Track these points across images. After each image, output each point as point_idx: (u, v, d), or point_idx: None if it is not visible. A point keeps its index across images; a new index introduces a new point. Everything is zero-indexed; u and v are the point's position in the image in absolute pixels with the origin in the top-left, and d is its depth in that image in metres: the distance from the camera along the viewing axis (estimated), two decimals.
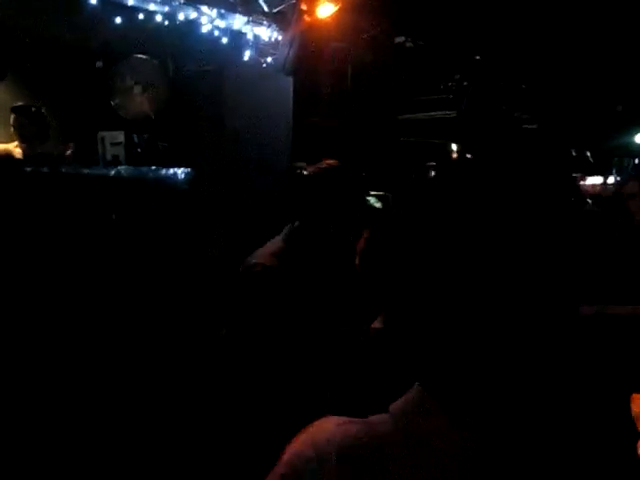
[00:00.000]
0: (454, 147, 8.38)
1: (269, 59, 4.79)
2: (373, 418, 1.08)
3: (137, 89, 5.91)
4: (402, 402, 1.08)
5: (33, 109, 5.25)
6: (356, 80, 5.61)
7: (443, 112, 7.20)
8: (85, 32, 4.95)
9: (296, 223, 2.59)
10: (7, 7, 3.99)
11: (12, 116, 5.23)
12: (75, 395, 3.61)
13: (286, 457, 1.08)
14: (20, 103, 5.27)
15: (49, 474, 3.06)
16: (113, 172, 4.69)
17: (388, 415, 1.07)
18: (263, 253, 2.55)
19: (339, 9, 4.50)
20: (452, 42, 6.03)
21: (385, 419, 1.06)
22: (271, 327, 2.39)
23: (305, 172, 4.42)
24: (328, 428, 1.08)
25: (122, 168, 4.62)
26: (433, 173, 8.26)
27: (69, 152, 5.09)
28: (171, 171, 5.00)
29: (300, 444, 1.08)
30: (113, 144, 4.68)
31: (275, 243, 2.59)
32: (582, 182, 7.51)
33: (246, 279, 2.49)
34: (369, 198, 6.28)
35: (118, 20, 4.43)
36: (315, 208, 2.58)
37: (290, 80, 5.04)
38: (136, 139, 4.80)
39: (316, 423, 1.12)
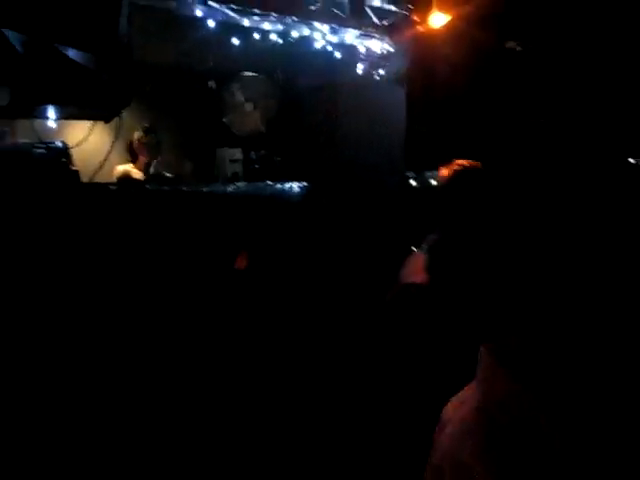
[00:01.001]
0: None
1: (381, 71, 4.80)
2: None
3: (248, 106, 6.06)
4: (480, 369, 1.21)
5: (156, 129, 5.50)
6: (467, 87, 5.55)
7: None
8: (200, 54, 5.12)
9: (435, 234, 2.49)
10: (134, 38, 4.16)
11: (141, 136, 5.46)
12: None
13: None
14: (145, 125, 5.50)
15: (49, 474, 3.06)
16: (232, 189, 4.80)
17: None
18: (412, 271, 2.46)
19: (452, 19, 4.48)
20: (562, 44, 5.89)
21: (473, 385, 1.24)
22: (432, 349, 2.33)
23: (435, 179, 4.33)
24: None
25: (241, 184, 4.72)
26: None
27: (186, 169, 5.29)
28: (287, 185, 5.07)
29: None
30: (232, 161, 4.80)
31: (419, 258, 2.51)
32: None
33: (403, 301, 2.40)
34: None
35: (235, 41, 4.53)
36: (458, 216, 2.41)
37: (403, 91, 5.04)
38: (253, 155, 4.91)
39: None
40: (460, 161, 2.48)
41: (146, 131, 5.49)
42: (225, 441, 3.41)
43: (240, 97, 6.08)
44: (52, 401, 3.03)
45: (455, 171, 2.44)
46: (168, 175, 5.63)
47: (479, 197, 2.36)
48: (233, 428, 3.50)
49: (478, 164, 2.45)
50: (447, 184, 2.45)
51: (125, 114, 5.84)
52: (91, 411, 3.11)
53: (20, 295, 3.11)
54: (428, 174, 5.43)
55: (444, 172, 2.50)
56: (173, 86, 5.76)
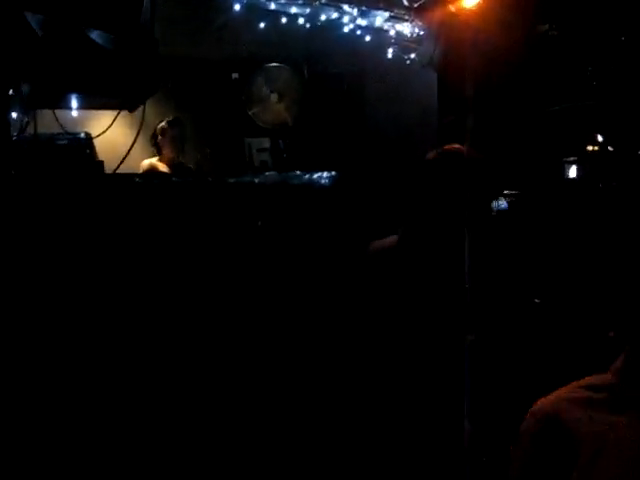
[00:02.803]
0: (599, 139, 7.96)
1: (412, 55, 4.64)
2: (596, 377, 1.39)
3: (273, 97, 5.92)
4: (620, 362, 1.35)
5: (182, 121, 5.38)
6: (500, 72, 5.38)
7: (587, 102, 6.81)
8: (225, 42, 5.00)
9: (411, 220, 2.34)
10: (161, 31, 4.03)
11: (167, 129, 5.33)
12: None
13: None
14: (170, 117, 5.38)
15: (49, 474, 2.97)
16: (259, 179, 4.67)
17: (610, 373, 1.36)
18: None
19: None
20: (597, 25, 5.70)
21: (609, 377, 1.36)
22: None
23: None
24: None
25: (270, 174, 4.59)
26: (573, 169, 7.86)
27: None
28: (316, 175, 4.93)
29: None
30: (259, 150, 4.67)
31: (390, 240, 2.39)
32: None
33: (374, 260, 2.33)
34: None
35: (261, 26, 4.40)
36: (430, 202, 2.29)
37: (435, 76, 4.87)
38: (281, 144, 4.78)
39: None
40: (448, 146, 2.38)
41: (171, 124, 5.37)
42: (225, 441, 3.31)
43: (265, 89, 5.96)
44: (56, 398, 2.94)
45: (437, 154, 2.33)
46: (192, 167, 5.53)
47: (453, 180, 2.25)
48: (233, 428, 3.41)
49: (464, 149, 2.34)
50: (426, 167, 2.35)
51: (148, 106, 5.75)
52: (92, 409, 3.02)
53: (42, 285, 3.00)
54: None
55: (429, 155, 2.40)
56: (196, 77, 5.65)
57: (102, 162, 4.30)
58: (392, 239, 2.38)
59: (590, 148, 8.27)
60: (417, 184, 2.40)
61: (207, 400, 3.38)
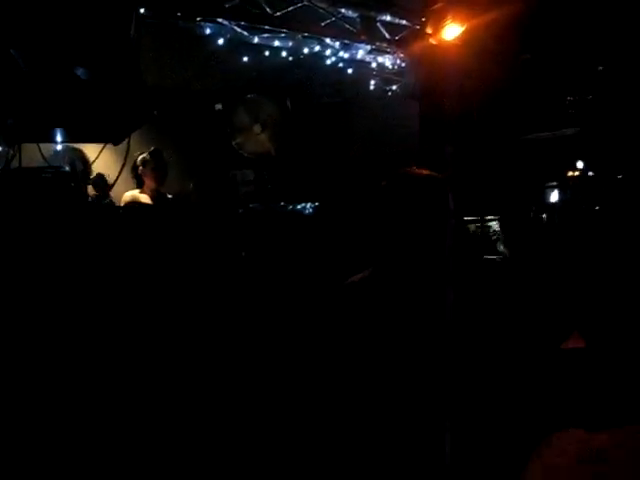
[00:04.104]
0: (579, 165, 8.07)
1: (394, 87, 4.71)
2: None
3: (256, 128, 5.95)
4: None
5: (163, 153, 5.34)
6: (482, 101, 5.46)
7: (567, 129, 6.92)
8: (209, 74, 5.03)
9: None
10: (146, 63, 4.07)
11: (148, 160, 5.29)
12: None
13: None
14: (152, 148, 5.35)
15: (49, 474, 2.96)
16: (244, 210, 4.70)
17: None
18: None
19: (464, 31, 4.39)
20: (576, 54, 5.81)
21: None
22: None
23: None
24: None
25: (254, 205, 4.61)
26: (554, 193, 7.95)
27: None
28: (299, 206, 4.97)
29: None
30: (244, 182, 4.69)
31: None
32: None
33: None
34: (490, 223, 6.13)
35: (245, 58, 4.44)
36: (388, 226, 2.28)
37: (416, 105, 4.94)
38: (266, 176, 4.80)
39: None
40: (400, 169, 2.39)
41: (152, 155, 5.31)
42: (225, 441, 3.30)
43: (248, 119, 5.99)
44: (57, 401, 2.94)
45: (388, 180, 2.35)
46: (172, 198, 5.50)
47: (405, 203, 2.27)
48: (232, 428, 3.40)
49: (414, 171, 2.37)
50: (380, 193, 2.37)
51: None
52: (92, 411, 3.01)
53: (34, 312, 3.01)
54: None
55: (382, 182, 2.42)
56: (180, 108, 5.66)
57: (86, 195, 4.31)
58: (366, 272, 2.40)
59: (570, 174, 8.38)
60: (375, 210, 2.42)
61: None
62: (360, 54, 4.61)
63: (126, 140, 4.01)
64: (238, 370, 3.92)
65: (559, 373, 1.77)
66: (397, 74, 4.61)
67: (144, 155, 5.27)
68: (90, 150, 4.22)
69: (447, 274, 2.07)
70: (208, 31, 4.18)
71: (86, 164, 4.51)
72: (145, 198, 5.36)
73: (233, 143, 5.97)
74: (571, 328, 1.81)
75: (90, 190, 4.58)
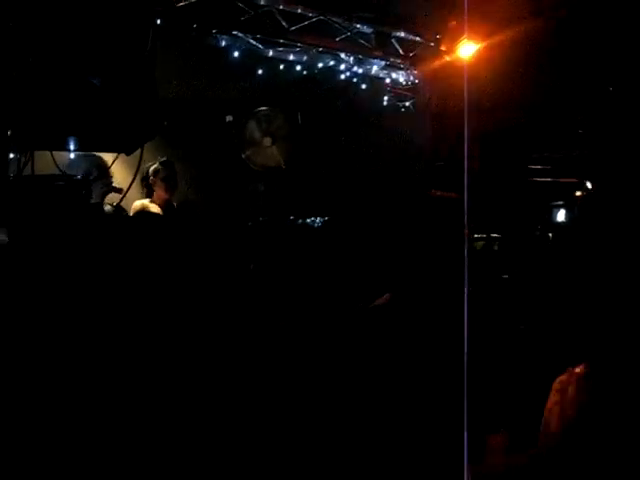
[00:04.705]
0: (588, 185, 8.07)
1: (407, 103, 4.71)
2: None
3: (266, 141, 5.95)
4: None
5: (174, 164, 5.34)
6: (491, 118, 5.46)
7: (574, 150, 6.94)
8: (220, 88, 5.04)
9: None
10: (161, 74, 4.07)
11: (159, 170, 5.29)
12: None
13: None
14: (163, 158, 5.35)
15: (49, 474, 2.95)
16: (253, 223, 4.69)
17: None
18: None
19: (480, 49, 4.40)
20: (588, 74, 5.83)
21: None
22: None
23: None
24: None
25: (263, 219, 4.61)
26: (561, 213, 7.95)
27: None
28: (309, 220, 4.96)
29: None
30: (254, 194, 4.69)
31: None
32: None
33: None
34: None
35: (259, 72, 4.45)
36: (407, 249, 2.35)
37: (428, 122, 4.95)
38: (275, 189, 4.81)
39: None
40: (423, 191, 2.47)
41: (164, 164, 5.33)
42: (225, 440, 3.29)
43: (258, 132, 5.99)
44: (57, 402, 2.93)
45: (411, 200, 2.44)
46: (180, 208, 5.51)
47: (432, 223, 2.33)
48: (232, 428, 3.39)
49: (438, 194, 2.45)
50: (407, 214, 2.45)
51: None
52: (92, 412, 3.00)
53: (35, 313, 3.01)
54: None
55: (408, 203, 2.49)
56: (191, 119, 5.66)
57: (99, 204, 4.30)
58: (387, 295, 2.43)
59: (578, 193, 8.38)
60: (395, 231, 2.47)
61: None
62: (374, 70, 4.62)
63: (139, 150, 4.02)
64: (245, 381, 3.90)
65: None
66: (410, 90, 4.60)
67: (155, 165, 5.28)
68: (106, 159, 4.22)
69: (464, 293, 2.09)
70: (223, 43, 4.18)
71: (105, 172, 4.51)
72: (155, 207, 5.36)
73: (243, 156, 5.97)
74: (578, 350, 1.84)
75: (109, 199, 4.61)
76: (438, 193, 2.42)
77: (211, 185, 5.67)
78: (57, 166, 3.90)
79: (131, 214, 5.12)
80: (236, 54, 4.23)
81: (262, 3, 4.29)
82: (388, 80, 4.60)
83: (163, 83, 4.68)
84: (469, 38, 4.34)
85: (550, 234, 7.93)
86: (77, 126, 3.59)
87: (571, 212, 8.14)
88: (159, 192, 5.36)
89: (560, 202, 8.17)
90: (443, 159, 5.51)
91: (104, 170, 4.43)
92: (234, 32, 4.11)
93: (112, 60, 3.52)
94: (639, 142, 6.65)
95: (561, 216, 8.20)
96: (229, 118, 5.94)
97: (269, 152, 5.94)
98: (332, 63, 4.46)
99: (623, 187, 7.55)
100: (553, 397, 1.74)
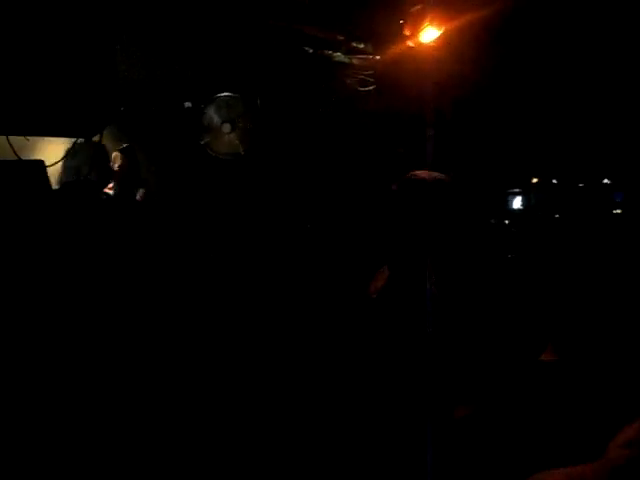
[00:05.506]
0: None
1: (370, 88, 4.69)
2: None
3: (225, 127, 5.87)
4: None
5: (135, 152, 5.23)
6: (456, 107, 5.49)
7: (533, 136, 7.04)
8: (176, 72, 4.95)
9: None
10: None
11: (118, 156, 5.16)
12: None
13: None
14: (124, 145, 5.22)
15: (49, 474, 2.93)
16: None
17: None
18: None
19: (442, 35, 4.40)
20: (550, 59, 5.91)
21: None
22: None
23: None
24: None
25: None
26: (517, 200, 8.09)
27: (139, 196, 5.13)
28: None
29: None
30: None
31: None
32: None
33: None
34: None
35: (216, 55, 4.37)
36: (401, 231, 2.31)
37: (389, 108, 4.93)
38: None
39: None
40: (410, 173, 2.40)
41: (124, 152, 5.19)
42: (224, 440, 3.29)
43: (217, 119, 5.90)
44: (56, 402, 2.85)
45: (400, 182, 2.37)
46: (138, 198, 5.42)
47: (418, 207, 2.27)
48: (232, 428, 3.39)
49: (425, 174, 2.38)
50: (393, 195, 2.39)
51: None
52: (91, 411, 2.95)
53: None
54: None
55: (393, 187, 2.44)
56: (148, 105, 5.56)
57: (54, 190, 4.18)
58: (382, 275, 2.39)
59: (534, 180, 8.49)
60: (387, 216, 2.41)
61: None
62: (336, 55, 4.58)
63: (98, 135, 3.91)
64: (246, 376, 3.87)
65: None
66: (373, 75, 4.58)
67: (115, 152, 5.17)
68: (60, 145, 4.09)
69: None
70: None
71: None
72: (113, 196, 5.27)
73: (201, 142, 5.89)
74: (543, 340, 1.80)
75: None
76: (436, 175, 2.37)
77: (170, 173, 5.58)
78: (14, 152, 3.78)
79: None
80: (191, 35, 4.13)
81: None
82: (352, 64, 4.56)
83: (121, 65, 4.58)
84: (431, 23, 4.33)
85: (506, 221, 8.03)
86: (30, 108, 3.47)
87: (527, 199, 8.26)
88: (118, 179, 5.26)
89: (516, 189, 8.29)
90: (403, 144, 5.50)
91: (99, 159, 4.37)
92: None
93: (69, 40, 3.41)
94: (593, 129, 6.78)
95: (517, 203, 8.32)
96: (188, 104, 5.85)
97: (228, 139, 5.87)
98: (295, 47, 4.41)
99: (577, 175, 7.69)
100: None
